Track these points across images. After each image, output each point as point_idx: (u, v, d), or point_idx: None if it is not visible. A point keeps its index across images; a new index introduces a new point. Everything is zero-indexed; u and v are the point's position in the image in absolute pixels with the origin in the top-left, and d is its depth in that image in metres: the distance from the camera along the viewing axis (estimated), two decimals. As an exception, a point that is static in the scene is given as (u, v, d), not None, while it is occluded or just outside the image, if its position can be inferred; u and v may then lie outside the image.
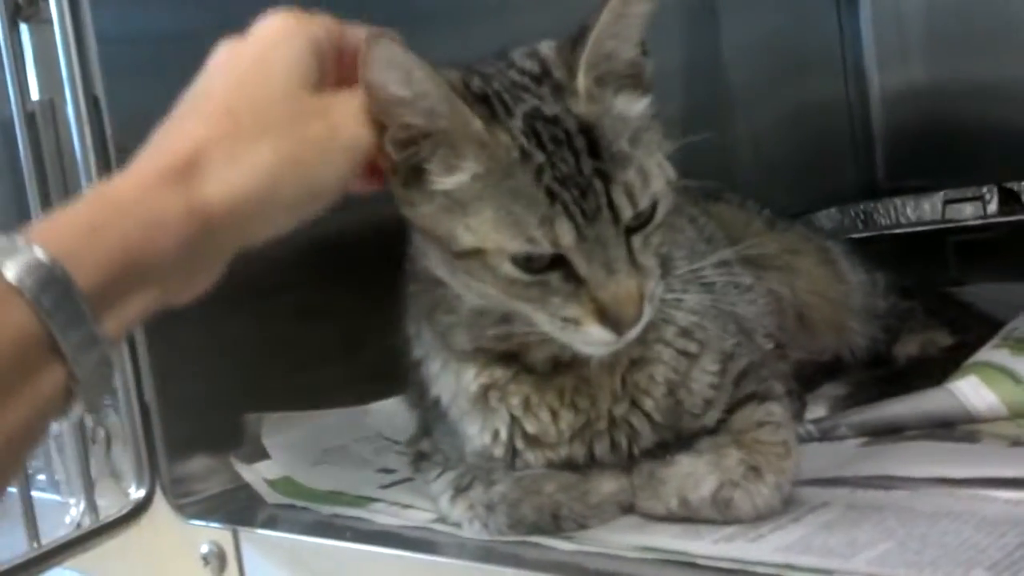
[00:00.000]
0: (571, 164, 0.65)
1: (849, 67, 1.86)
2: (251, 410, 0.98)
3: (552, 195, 0.65)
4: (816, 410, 0.95)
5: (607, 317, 0.66)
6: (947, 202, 1.61)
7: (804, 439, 0.88)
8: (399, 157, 0.68)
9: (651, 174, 0.68)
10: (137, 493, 0.92)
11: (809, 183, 1.72)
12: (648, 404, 0.75)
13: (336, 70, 0.69)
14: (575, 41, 0.69)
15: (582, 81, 0.68)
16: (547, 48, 0.72)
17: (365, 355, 1.02)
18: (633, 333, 0.68)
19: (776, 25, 1.74)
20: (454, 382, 0.77)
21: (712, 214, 1.04)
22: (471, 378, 0.75)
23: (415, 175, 0.68)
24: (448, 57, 0.71)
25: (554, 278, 0.67)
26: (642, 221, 0.68)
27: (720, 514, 0.70)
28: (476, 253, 0.67)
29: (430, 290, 0.76)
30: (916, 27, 1.79)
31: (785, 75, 1.73)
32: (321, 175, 0.65)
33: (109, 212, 0.58)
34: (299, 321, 1.01)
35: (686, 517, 0.71)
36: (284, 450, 0.97)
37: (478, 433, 0.76)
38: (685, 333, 0.77)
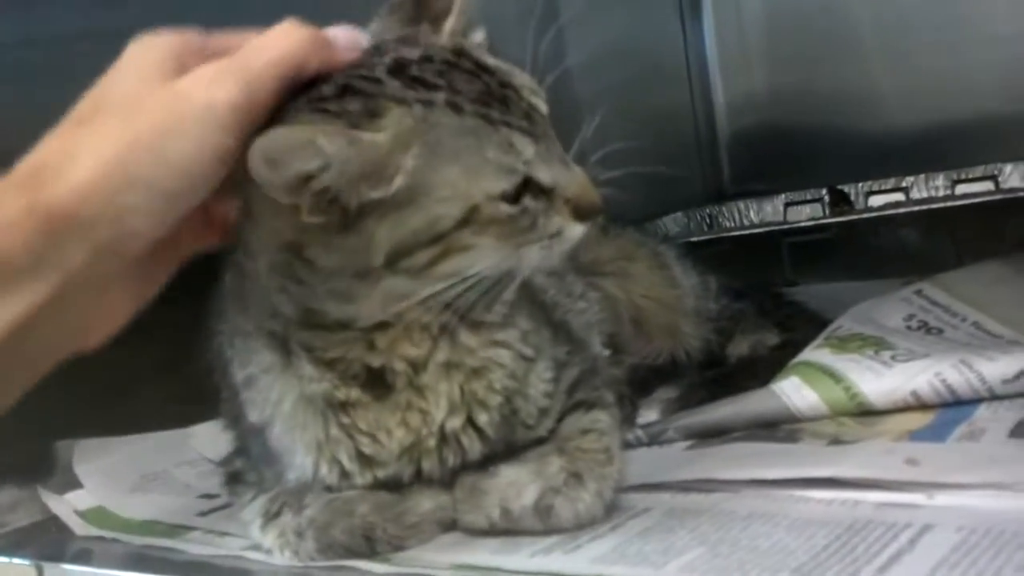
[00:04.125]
0: (475, 83, 0.64)
1: (694, 74, 1.88)
2: (61, 438, 0.92)
3: (486, 118, 0.63)
4: (649, 414, 0.95)
5: (582, 210, 0.66)
6: (788, 204, 1.65)
7: (634, 444, 0.87)
8: (325, 220, 0.63)
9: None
10: (-68, 528, 0.85)
11: (658, 189, 1.73)
12: (483, 419, 0.73)
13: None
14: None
15: (451, 23, 0.67)
16: (373, 26, 0.70)
17: (187, 374, 0.97)
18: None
19: (621, 32, 1.75)
20: (291, 411, 0.72)
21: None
22: (318, 402, 0.71)
23: (345, 217, 0.63)
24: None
25: (528, 200, 0.64)
26: None
27: (542, 523, 0.69)
28: (467, 219, 0.63)
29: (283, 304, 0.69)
30: (757, 36, 1.83)
31: (632, 82, 1.74)
32: (176, 145, 0.59)
33: None
34: (112, 338, 0.95)
35: (508, 529, 0.70)
36: (98, 477, 0.92)
37: (312, 462, 0.72)
38: (525, 337, 0.75)
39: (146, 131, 0.59)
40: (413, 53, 0.65)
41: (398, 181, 0.62)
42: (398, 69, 0.64)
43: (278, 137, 0.60)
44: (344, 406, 0.71)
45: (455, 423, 0.72)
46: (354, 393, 0.71)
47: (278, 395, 0.72)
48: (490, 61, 0.66)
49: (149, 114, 0.60)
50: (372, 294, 0.66)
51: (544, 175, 0.65)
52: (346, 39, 0.66)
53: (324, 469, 0.72)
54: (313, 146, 0.60)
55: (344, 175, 0.61)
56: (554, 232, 0.66)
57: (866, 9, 1.69)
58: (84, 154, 0.59)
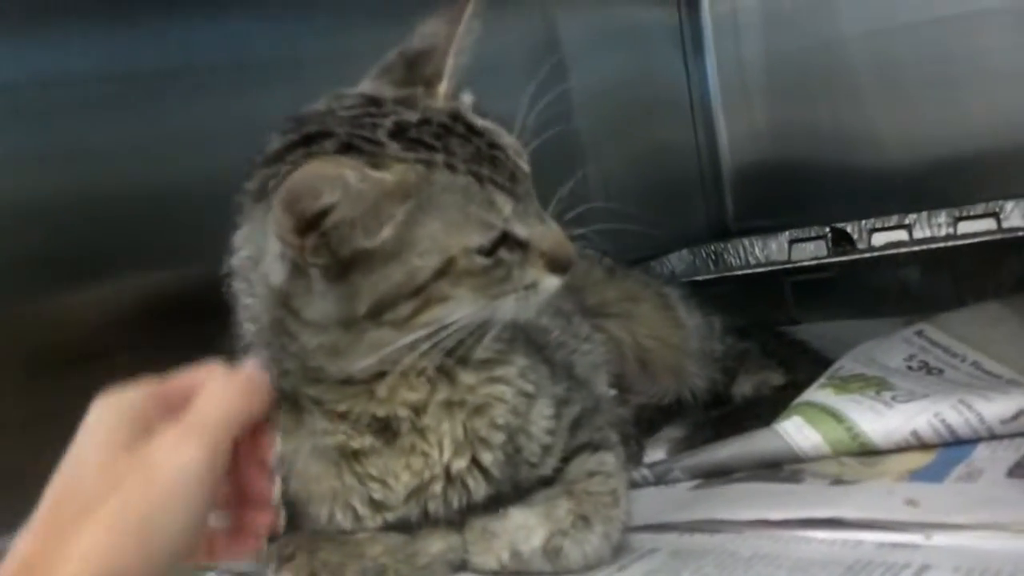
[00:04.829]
0: (468, 146, 0.67)
1: (697, 111, 1.90)
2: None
3: (476, 176, 0.66)
4: (655, 453, 0.97)
5: (557, 263, 0.70)
6: (792, 242, 1.66)
7: (640, 484, 0.89)
8: (322, 263, 0.66)
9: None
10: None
11: (662, 226, 1.75)
12: (487, 458, 0.74)
13: (168, 417, 0.63)
14: (412, 61, 0.73)
15: (444, 87, 0.71)
16: (365, 85, 0.73)
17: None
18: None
19: (624, 70, 1.77)
20: (304, 466, 0.74)
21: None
22: (331, 453, 0.73)
23: (340, 265, 0.66)
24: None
25: (504, 252, 0.68)
26: None
27: (551, 564, 0.71)
28: (443, 270, 0.66)
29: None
30: (759, 74, 1.85)
31: (635, 119, 1.76)
32: (157, 523, 0.57)
33: None
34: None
35: (517, 571, 0.71)
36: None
37: (327, 512, 0.74)
38: (523, 373, 0.77)
39: (128, 517, 0.56)
40: (412, 116, 0.69)
41: (386, 232, 0.65)
42: (398, 132, 0.68)
43: (310, 171, 0.62)
44: (357, 454, 0.73)
45: (460, 464, 0.74)
46: (368, 441, 0.73)
47: (291, 453, 0.74)
48: (479, 123, 0.70)
49: (127, 500, 0.56)
50: (359, 347, 0.69)
51: (520, 230, 0.68)
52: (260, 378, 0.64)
53: (339, 515, 0.74)
54: (340, 178, 0.63)
55: (352, 211, 0.64)
56: (529, 283, 0.70)
57: (865, 46, 1.71)
58: (69, 550, 0.54)
